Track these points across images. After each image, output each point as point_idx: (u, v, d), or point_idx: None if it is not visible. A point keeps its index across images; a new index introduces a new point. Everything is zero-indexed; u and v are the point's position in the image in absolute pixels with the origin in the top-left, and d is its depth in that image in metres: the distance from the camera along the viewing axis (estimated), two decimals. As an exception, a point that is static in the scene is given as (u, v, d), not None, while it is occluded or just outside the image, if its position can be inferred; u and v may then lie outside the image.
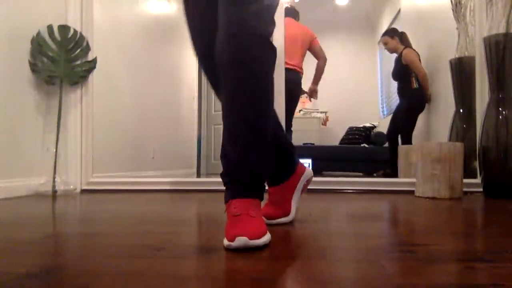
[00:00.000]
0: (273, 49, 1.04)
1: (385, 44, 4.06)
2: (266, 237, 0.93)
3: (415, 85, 3.73)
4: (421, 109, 3.75)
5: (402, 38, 3.96)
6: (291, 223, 1.24)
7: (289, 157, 1.25)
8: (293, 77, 3.51)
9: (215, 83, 1.15)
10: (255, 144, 1.01)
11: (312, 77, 3.97)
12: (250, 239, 0.87)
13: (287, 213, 1.23)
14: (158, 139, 4.00)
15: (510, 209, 1.75)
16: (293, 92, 3.47)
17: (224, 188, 1.04)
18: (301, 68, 3.73)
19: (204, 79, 6.08)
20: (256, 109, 1.01)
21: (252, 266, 0.76)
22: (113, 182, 2.67)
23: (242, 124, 1.00)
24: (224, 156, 1.04)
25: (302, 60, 3.75)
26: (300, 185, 1.27)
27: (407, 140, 3.64)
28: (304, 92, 4.12)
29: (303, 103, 5.88)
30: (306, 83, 3.96)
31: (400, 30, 4.31)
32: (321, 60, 3.83)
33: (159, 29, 4.16)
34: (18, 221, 1.37)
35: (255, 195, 1.01)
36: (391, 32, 4.09)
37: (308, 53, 3.84)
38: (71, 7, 2.62)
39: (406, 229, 1.22)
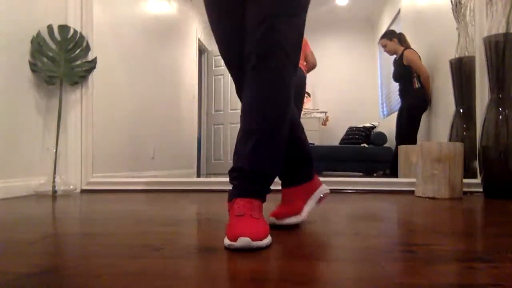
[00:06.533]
0: (297, 57, 1.08)
1: (384, 46, 4.06)
2: (268, 239, 0.93)
3: (417, 85, 3.72)
4: (423, 109, 3.74)
5: (401, 39, 3.96)
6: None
7: (306, 162, 1.23)
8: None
9: (237, 79, 1.18)
10: (267, 144, 1.02)
11: (313, 80, 3.94)
12: (253, 240, 0.87)
13: (298, 212, 1.18)
14: (158, 139, 4.00)
15: (510, 209, 1.74)
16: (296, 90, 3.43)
17: (228, 187, 1.05)
18: (303, 65, 3.70)
19: (204, 79, 6.10)
20: (275, 112, 1.03)
21: (252, 266, 0.76)
22: (113, 182, 2.67)
23: (259, 123, 1.02)
24: (236, 151, 1.06)
25: (302, 60, 3.74)
26: (316, 195, 1.24)
27: (413, 141, 3.62)
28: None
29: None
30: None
31: (400, 30, 4.31)
32: (312, 65, 3.81)
33: (159, 29, 4.16)
34: (18, 221, 1.37)
35: (259, 196, 1.02)
36: (389, 34, 4.09)
37: None
38: (71, 7, 2.62)
39: (406, 229, 1.22)
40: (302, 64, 3.68)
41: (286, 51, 1.03)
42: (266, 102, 1.03)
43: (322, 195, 1.26)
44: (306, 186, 1.22)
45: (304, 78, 3.72)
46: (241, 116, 1.07)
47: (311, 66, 3.82)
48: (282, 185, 1.23)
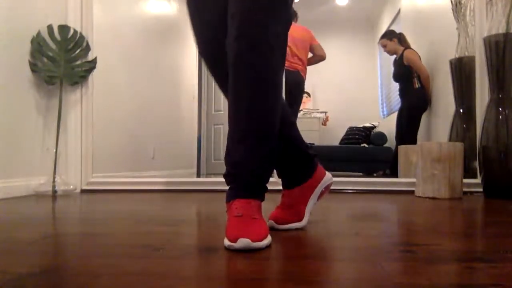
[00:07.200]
0: (283, 49, 1.02)
1: (384, 46, 4.06)
2: (268, 239, 0.93)
3: (417, 85, 3.73)
4: (423, 109, 3.74)
5: (401, 39, 3.96)
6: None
7: (305, 160, 1.18)
8: (294, 78, 3.50)
9: (221, 80, 1.12)
10: (259, 145, 0.99)
11: (313, 80, 3.96)
12: (253, 241, 0.87)
13: (300, 218, 1.16)
14: (158, 139, 4.00)
15: (510, 209, 1.74)
16: (293, 93, 3.44)
17: (227, 188, 1.04)
18: (303, 70, 3.70)
19: (204, 79, 6.09)
20: (263, 111, 0.99)
21: (252, 266, 0.76)
22: (113, 182, 2.67)
23: (248, 124, 0.98)
24: (228, 155, 1.03)
25: (304, 61, 3.73)
26: (317, 191, 1.19)
27: (413, 141, 3.61)
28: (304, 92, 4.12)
29: (303, 103, 5.88)
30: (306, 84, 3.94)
31: (400, 30, 4.31)
32: (320, 57, 3.84)
33: (159, 29, 4.16)
34: (18, 221, 1.37)
35: (257, 196, 1.01)
36: (389, 34, 4.09)
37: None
38: (71, 7, 2.62)
39: (406, 229, 1.22)
40: (302, 69, 3.67)
41: (272, 47, 0.97)
42: (254, 104, 0.98)
43: (324, 189, 1.21)
44: (307, 185, 1.18)
45: (303, 81, 3.71)
46: (229, 117, 1.02)
47: (320, 59, 3.83)
48: (283, 186, 1.20)
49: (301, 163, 1.18)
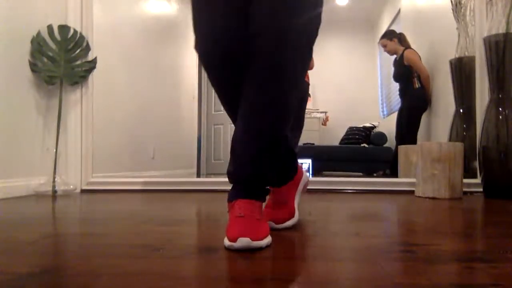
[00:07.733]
0: (310, 44, 1.03)
1: (384, 46, 4.06)
2: (268, 239, 0.93)
3: (417, 85, 3.73)
4: (423, 109, 3.75)
5: (401, 39, 3.96)
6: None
7: (293, 157, 1.21)
8: None
9: (223, 86, 1.09)
10: (271, 150, 1.00)
11: (313, 80, 3.91)
12: (253, 240, 0.87)
13: (292, 214, 1.18)
14: (158, 139, 4.00)
15: (510, 209, 1.74)
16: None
17: (228, 187, 1.04)
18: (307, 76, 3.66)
19: (204, 79, 6.09)
20: (282, 118, 0.99)
21: (252, 266, 0.76)
22: (113, 182, 2.67)
23: (264, 129, 0.98)
24: (234, 155, 1.02)
25: None
26: (300, 188, 1.24)
27: (413, 141, 3.62)
28: None
29: (303, 103, 5.88)
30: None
31: (400, 30, 4.31)
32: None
33: (159, 29, 4.16)
34: (18, 221, 1.37)
35: (260, 197, 1.01)
36: (390, 34, 4.09)
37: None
38: (71, 7, 2.62)
39: (406, 229, 1.22)
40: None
41: (302, 49, 0.96)
42: (273, 108, 0.97)
43: (303, 186, 1.26)
44: (293, 181, 1.22)
45: (307, 87, 3.68)
46: (242, 115, 1.00)
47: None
48: (274, 184, 1.20)
49: (291, 161, 1.21)
